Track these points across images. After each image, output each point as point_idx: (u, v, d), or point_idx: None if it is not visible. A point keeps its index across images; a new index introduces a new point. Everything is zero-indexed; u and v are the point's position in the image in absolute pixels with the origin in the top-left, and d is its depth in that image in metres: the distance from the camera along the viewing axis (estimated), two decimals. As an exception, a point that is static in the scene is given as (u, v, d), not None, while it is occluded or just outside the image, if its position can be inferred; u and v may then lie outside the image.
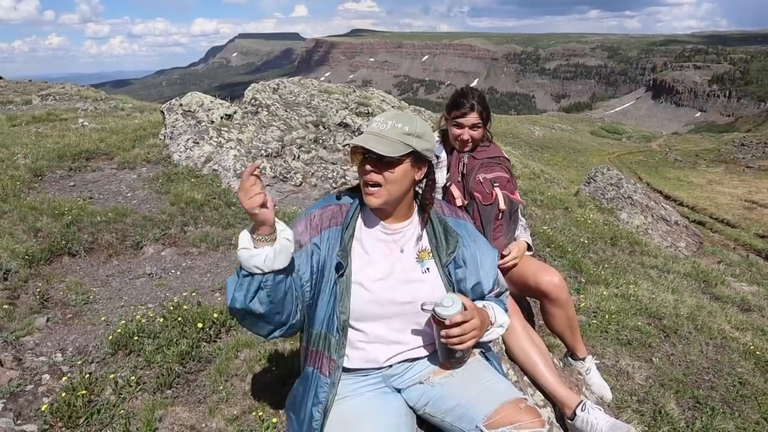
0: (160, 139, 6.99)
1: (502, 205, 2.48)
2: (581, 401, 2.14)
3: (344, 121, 7.91)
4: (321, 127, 7.67)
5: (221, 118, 7.03)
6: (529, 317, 3.14)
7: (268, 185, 5.74)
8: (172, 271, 3.95)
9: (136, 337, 2.85)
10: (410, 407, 1.66)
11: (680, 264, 5.83)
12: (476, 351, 1.74)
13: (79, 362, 2.72)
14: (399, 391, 1.68)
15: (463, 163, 2.54)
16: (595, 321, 3.66)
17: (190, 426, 2.28)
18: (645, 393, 3.00)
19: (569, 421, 2.14)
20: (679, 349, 3.53)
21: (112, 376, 2.54)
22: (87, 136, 7.69)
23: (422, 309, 1.58)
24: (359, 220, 1.67)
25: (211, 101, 7.44)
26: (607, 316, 3.72)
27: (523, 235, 2.71)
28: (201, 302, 3.34)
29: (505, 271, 2.60)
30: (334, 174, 6.41)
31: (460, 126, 2.51)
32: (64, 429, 2.22)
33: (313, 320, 1.59)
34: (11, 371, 2.57)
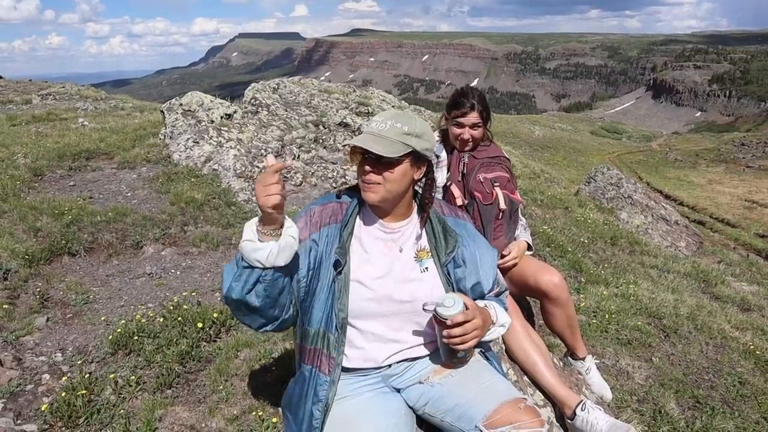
0: (160, 139, 6.99)
1: (503, 205, 2.48)
2: (581, 401, 2.14)
3: (344, 120, 7.91)
4: (321, 127, 7.67)
5: (221, 117, 7.03)
6: (529, 317, 3.14)
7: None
8: (172, 270, 3.95)
9: (136, 337, 2.85)
10: (410, 407, 1.66)
11: (680, 264, 5.83)
12: (476, 351, 1.74)
13: (79, 362, 2.72)
14: (398, 391, 1.68)
15: (464, 163, 2.54)
16: (595, 321, 3.66)
17: (190, 426, 2.28)
18: (645, 393, 3.00)
19: (569, 420, 2.14)
20: (679, 349, 3.53)
21: (112, 375, 2.54)
22: (87, 136, 7.69)
23: (424, 309, 1.58)
24: (358, 219, 1.67)
25: (211, 101, 7.44)
26: (607, 316, 3.72)
27: (523, 235, 2.71)
28: (201, 302, 3.34)
29: (505, 270, 2.60)
30: (334, 174, 6.41)
31: (461, 125, 2.51)
32: (64, 429, 2.22)
33: (311, 318, 1.59)
34: (11, 371, 2.57)
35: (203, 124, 6.84)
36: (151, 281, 3.77)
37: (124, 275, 3.85)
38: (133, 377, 2.53)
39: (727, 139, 52.32)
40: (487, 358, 1.75)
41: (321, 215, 1.64)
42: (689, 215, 21.09)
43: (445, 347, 1.59)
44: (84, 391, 2.35)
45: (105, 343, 2.87)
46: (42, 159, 6.20)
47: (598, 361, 2.97)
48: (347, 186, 1.77)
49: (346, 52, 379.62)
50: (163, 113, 7.42)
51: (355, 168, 1.63)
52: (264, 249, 1.40)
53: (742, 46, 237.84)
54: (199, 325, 2.93)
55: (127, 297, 3.53)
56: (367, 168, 1.53)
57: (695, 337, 3.70)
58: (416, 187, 1.70)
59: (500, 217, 2.50)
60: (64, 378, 2.54)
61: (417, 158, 1.59)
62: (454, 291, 1.66)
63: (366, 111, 8.73)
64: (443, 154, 2.61)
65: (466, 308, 1.52)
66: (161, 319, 3.04)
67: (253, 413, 2.29)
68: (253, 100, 7.79)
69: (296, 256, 1.51)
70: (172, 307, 3.19)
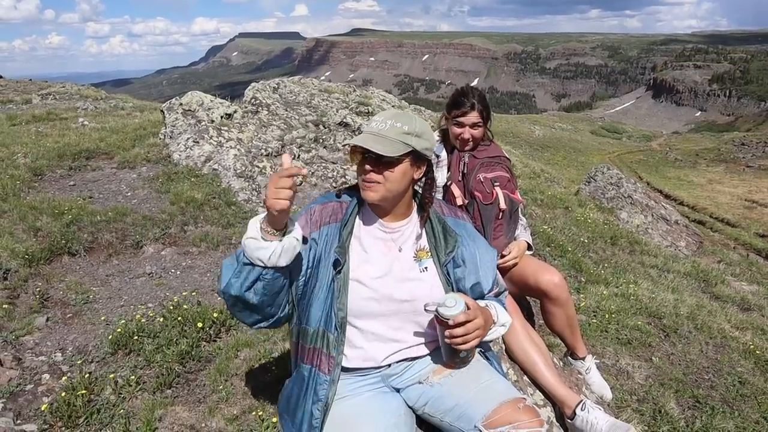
0: (160, 139, 6.99)
1: (503, 205, 2.48)
2: (581, 401, 2.14)
3: (344, 120, 7.90)
4: (321, 127, 7.66)
5: (221, 117, 7.03)
6: (529, 317, 3.14)
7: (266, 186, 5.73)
8: (172, 270, 3.94)
9: (135, 337, 2.85)
10: (409, 407, 1.66)
11: (680, 263, 5.83)
12: (476, 350, 1.74)
13: (78, 362, 2.72)
14: (398, 390, 1.68)
15: (464, 163, 2.54)
16: (595, 320, 3.66)
17: (189, 426, 2.28)
18: (645, 392, 3.00)
19: (569, 420, 2.14)
20: (679, 349, 3.53)
21: (111, 375, 2.54)
22: (87, 136, 7.68)
23: (425, 309, 1.57)
24: (358, 218, 1.67)
25: (211, 100, 7.44)
26: (607, 316, 3.71)
27: (523, 235, 2.71)
28: (201, 302, 3.34)
29: (505, 270, 2.60)
30: (335, 173, 6.41)
31: (461, 125, 2.51)
32: (63, 429, 2.22)
33: (310, 317, 1.59)
34: (11, 371, 2.57)
35: (203, 123, 6.84)
36: (151, 281, 3.77)
37: (124, 275, 3.85)
38: (133, 377, 2.53)
39: (727, 138, 52.29)
40: (486, 358, 1.75)
41: (321, 214, 1.64)
42: (689, 215, 21.08)
43: (446, 348, 1.59)
44: (84, 391, 2.35)
45: (105, 343, 2.87)
46: (42, 159, 6.20)
47: (598, 361, 2.98)
48: (347, 185, 1.77)
49: (346, 52, 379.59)
50: (163, 113, 7.42)
51: (355, 167, 1.64)
52: (267, 249, 1.40)
53: (742, 46, 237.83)
54: (199, 324, 2.93)
55: (127, 297, 3.53)
56: (368, 167, 1.53)
57: (695, 336, 3.70)
58: (416, 187, 1.71)
59: (500, 217, 2.50)
60: (63, 378, 2.54)
61: (417, 158, 1.59)
62: (453, 291, 1.66)
63: (366, 111, 8.72)
64: (443, 154, 2.61)
65: (468, 308, 1.52)
66: (161, 319, 3.04)
67: (253, 413, 2.29)
68: (253, 100, 7.79)
69: (298, 258, 1.51)
70: (172, 307, 3.19)
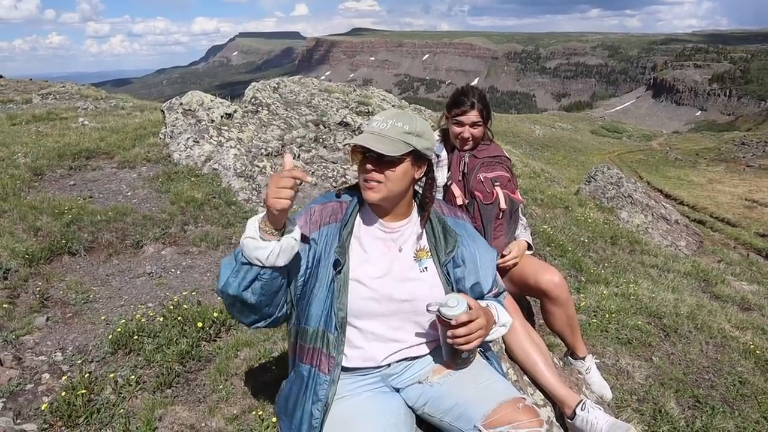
0: (161, 138, 6.99)
1: (503, 205, 2.48)
2: (581, 400, 2.14)
3: (344, 120, 7.90)
4: (321, 126, 7.66)
5: (221, 117, 7.03)
6: (529, 316, 3.14)
7: (267, 185, 5.74)
8: (172, 270, 3.95)
9: (135, 337, 2.85)
10: (409, 407, 1.66)
11: (680, 263, 5.83)
12: (476, 351, 1.74)
13: (78, 361, 2.72)
14: (398, 390, 1.68)
15: (464, 162, 2.54)
16: (595, 320, 3.66)
17: (189, 425, 2.28)
18: (645, 392, 2.99)
19: (569, 420, 2.14)
20: (679, 348, 3.53)
21: (111, 375, 2.54)
22: (87, 135, 7.68)
23: (428, 310, 1.57)
24: (358, 218, 1.67)
25: (212, 100, 7.43)
26: (607, 315, 3.71)
27: (523, 235, 2.71)
28: (201, 301, 3.34)
29: (505, 270, 2.60)
30: (335, 173, 6.41)
31: (461, 124, 2.51)
32: (63, 428, 2.22)
33: (309, 317, 1.59)
34: (11, 370, 2.57)
35: (203, 123, 6.84)
36: (151, 281, 3.77)
37: (124, 275, 3.85)
38: (133, 377, 2.53)
39: (728, 138, 52.27)
40: (486, 358, 1.75)
41: (321, 214, 1.64)
42: (689, 214, 21.09)
43: (448, 348, 1.59)
44: (84, 391, 2.35)
45: (105, 343, 2.87)
46: (42, 158, 6.20)
47: (598, 361, 2.97)
48: (347, 185, 1.77)
49: (346, 52, 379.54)
50: (164, 113, 7.42)
51: (355, 167, 1.64)
52: (265, 248, 1.40)
53: (743, 46, 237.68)
54: (199, 324, 2.93)
55: (127, 296, 3.53)
56: (369, 167, 1.53)
57: (695, 336, 3.70)
58: (416, 187, 1.71)
59: (500, 217, 2.50)
60: (63, 377, 2.54)
61: (418, 157, 1.60)
62: (453, 291, 1.66)
63: (366, 110, 8.72)
64: (443, 154, 2.61)
65: (470, 308, 1.52)
66: (161, 319, 3.04)
67: (253, 413, 2.29)
68: (253, 100, 7.79)
69: (297, 258, 1.51)
70: (172, 307, 3.19)
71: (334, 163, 6.70)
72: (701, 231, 10.21)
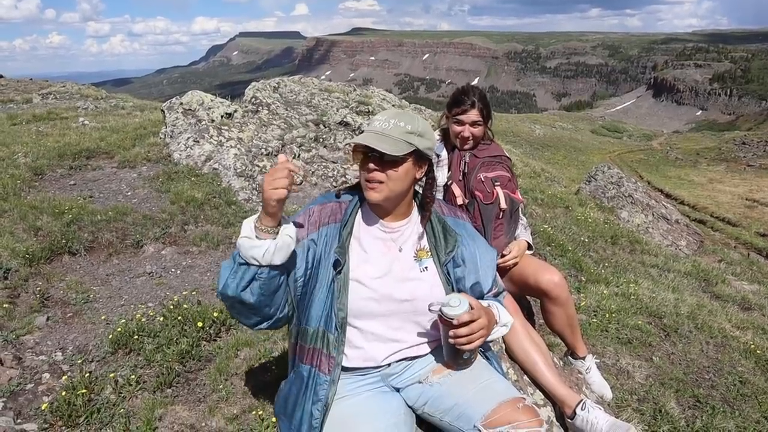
0: (161, 138, 6.99)
1: (503, 204, 2.48)
2: (581, 400, 2.14)
3: (345, 119, 7.90)
4: (321, 126, 7.66)
5: (221, 116, 7.03)
6: (529, 316, 3.14)
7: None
8: (173, 269, 3.95)
9: (136, 336, 2.85)
10: (409, 407, 1.66)
11: (681, 263, 5.82)
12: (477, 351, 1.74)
13: (79, 361, 2.72)
14: (398, 390, 1.68)
15: (465, 162, 2.54)
16: (595, 320, 3.66)
17: (190, 425, 2.28)
18: (645, 392, 2.99)
19: (569, 420, 2.14)
20: (680, 348, 3.53)
21: (112, 375, 2.54)
22: (87, 135, 7.68)
23: (429, 309, 1.57)
24: (358, 219, 1.67)
25: (212, 100, 7.43)
26: (607, 315, 3.71)
27: (523, 234, 2.71)
28: (201, 301, 3.34)
29: (505, 270, 2.60)
30: (335, 173, 6.41)
31: (461, 123, 2.51)
32: (64, 428, 2.22)
33: (310, 317, 1.59)
34: (11, 370, 2.57)
35: (203, 123, 6.84)
36: (152, 280, 3.77)
37: (125, 274, 3.85)
38: (133, 376, 2.53)
39: (728, 137, 52.25)
40: (486, 358, 1.75)
41: (320, 215, 1.64)
42: (690, 214, 21.09)
43: (450, 348, 1.58)
44: (84, 390, 2.35)
45: (105, 342, 2.87)
46: (42, 158, 6.20)
47: (598, 361, 2.97)
48: (347, 185, 1.77)
49: (346, 51, 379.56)
50: (164, 112, 7.42)
51: (355, 167, 1.64)
52: (261, 247, 1.41)
53: (743, 45, 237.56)
54: (200, 324, 2.93)
55: (128, 296, 3.53)
56: (371, 166, 1.53)
57: (696, 336, 3.70)
58: (416, 187, 1.70)
59: (501, 217, 2.49)
60: (64, 377, 2.54)
61: (419, 157, 1.60)
62: (453, 290, 1.65)
63: (366, 110, 8.72)
64: (444, 153, 2.61)
65: (472, 308, 1.51)
66: (161, 318, 3.04)
67: (253, 412, 2.29)
68: (253, 99, 7.79)
69: (293, 256, 1.51)
70: (172, 306, 3.19)
71: (334, 162, 6.70)
72: (702, 231, 10.21)
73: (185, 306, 3.16)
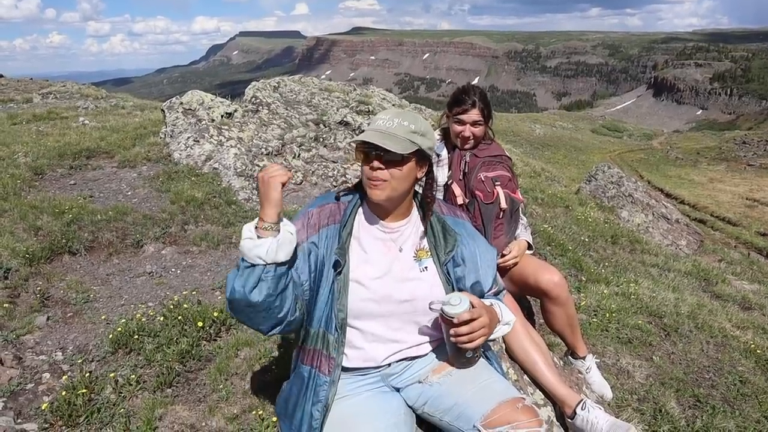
0: (161, 138, 6.99)
1: (504, 204, 2.47)
2: (581, 400, 2.14)
3: (345, 119, 7.90)
4: (321, 126, 7.66)
5: (222, 116, 7.03)
6: (529, 316, 3.14)
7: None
8: (173, 269, 3.95)
9: (136, 336, 2.85)
10: (409, 407, 1.66)
11: (681, 262, 5.82)
12: (481, 350, 1.74)
13: (79, 361, 2.72)
14: (398, 390, 1.68)
15: (465, 162, 2.53)
16: (595, 319, 3.66)
17: (190, 425, 2.28)
18: (645, 392, 2.99)
19: (569, 420, 2.14)
20: (680, 348, 3.53)
21: (112, 374, 2.54)
22: (87, 135, 7.69)
23: (430, 308, 1.57)
24: (357, 219, 1.66)
25: (212, 99, 7.44)
26: (607, 315, 3.71)
27: (523, 234, 2.71)
28: (201, 301, 3.34)
29: (505, 269, 2.60)
30: (335, 172, 6.41)
31: (462, 123, 2.50)
32: (64, 428, 2.22)
33: (311, 319, 1.59)
34: (11, 370, 2.58)
35: (204, 122, 6.84)
36: (152, 280, 3.77)
37: (125, 274, 3.85)
38: (133, 376, 2.53)
39: (729, 137, 52.20)
40: (486, 358, 1.75)
41: (319, 217, 1.64)
42: (690, 214, 21.08)
43: (452, 347, 1.59)
44: (84, 390, 2.36)
45: (105, 342, 2.87)
46: (42, 158, 6.20)
47: (598, 360, 2.97)
48: (347, 186, 1.77)
49: (346, 51, 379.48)
50: (164, 112, 7.42)
51: (356, 167, 1.64)
52: (263, 245, 1.41)
53: (744, 44, 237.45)
54: (200, 324, 2.93)
55: (128, 296, 3.53)
56: (375, 164, 1.53)
57: (696, 335, 3.70)
58: (415, 187, 1.70)
59: (501, 216, 2.49)
60: (64, 377, 2.54)
61: (421, 157, 1.60)
62: (453, 290, 1.65)
63: (366, 110, 8.71)
64: (444, 153, 2.60)
65: (473, 306, 1.51)
66: (161, 318, 3.04)
67: (253, 412, 2.29)
68: (253, 99, 7.79)
69: (296, 254, 1.51)
70: (172, 306, 3.19)
71: (334, 162, 6.70)
72: (702, 230, 10.21)
73: (185, 306, 3.16)
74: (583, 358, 2.72)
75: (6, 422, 2.21)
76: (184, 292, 3.50)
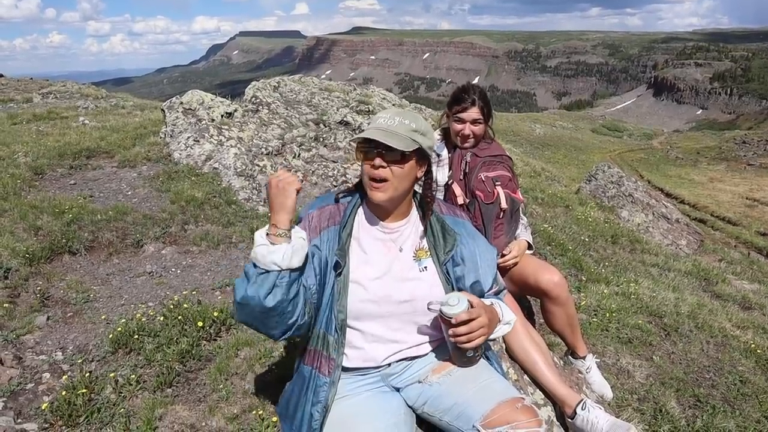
0: (161, 138, 6.99)
1: (504, 204, 2.47)
2: (582, 400, 2.13)
3: (345, 119, 7.90)
4: (321, 126, 7.66)
5: (222, 116, 7.03)
6: (529, 316, 3.14)
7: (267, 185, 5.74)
8: (173, 269, 3.95)
9: (136, 336, 2.85)
10: (409, 406, 1.66)
11: (681, 262, 5.82)
12: (482, 350, 1.74)
13: (79, 361, 2.72)
14: (398, 390, 1.68)
15: (466, 162, 2.53)
16: (595, 319, 3.66)
17: (190, 425, 2.28)
18: (645, 391, 2.99)
19: (570, 419, 2.14)
20: (680, 348, 3.53)
21: (112, 374, 2.54)
22: (88, 135, 7.69)
23: (429, 308, 1.57)
24: (357, 219, 1.67)
25: (212, 99, 7.43)
26: (607, 315, 3.71)
27: (523, 234, 2.71)
28: (201, 301, 3.34)
29: (505, 269, 2.60)
30: (335, 172, 6.40)
31: (462, 121, 2.51)
32: (64, 427, 2.22)
33: (314, 320, 1.59)
34: (11, 370, 2.58)
35: (204, 122, 6.84)
36: (152, 280, 3.77)
37: (125, 274, 3.85)
38: (133, 376, 2.53)
39: (729, 137, 52.20)
40: (486, 357, 1.74)
41: (319, 219, 1.64)
42: (690, 213, 21.09)
43: (453, 346, 1.59)
44: (84, 390, 2.35)
45: (105, 342, 2.87)
46: (42, 158, 6.20)
47: (598, 360, 2.97)
48: (346, 188, 1.77)
49: (347, 51, 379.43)
50: (164, 112, 7.42)
51: (356, 166, 1.64)
52: (278, 251, 1.42)
53: (744, 44, 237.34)
54: (200, 323, 2.93)
55: (128, 296, 3.53)
56: (378, 162, 1.53)
57: (696, 335, 3.70)
58: (415, 187, 1.71)
59: (501, 216, 2.49)
60: (64, 377, 2.54)
61: (421, 156, 1.60)
62: (453, 290, 1.65)
63: (367, 109, 8.71)
64: (445, 153, 2.60)
65: (471, 306, 1.51)
66: (161, 318, 3.04)
67: (253, 412, 2.29)
68: (253, 99, 7.79)
69: (306, 259, 1.52)
70: (172, 306, 3.19)
71: (334, 162, 6.70)
72: (702, 230, 10.21)
73: (185, 305, 3.16)
74: (583, 357, 2.72)
75: (6, 422, 2.21)
76: (184, 292, 3.50)
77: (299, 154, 6.58)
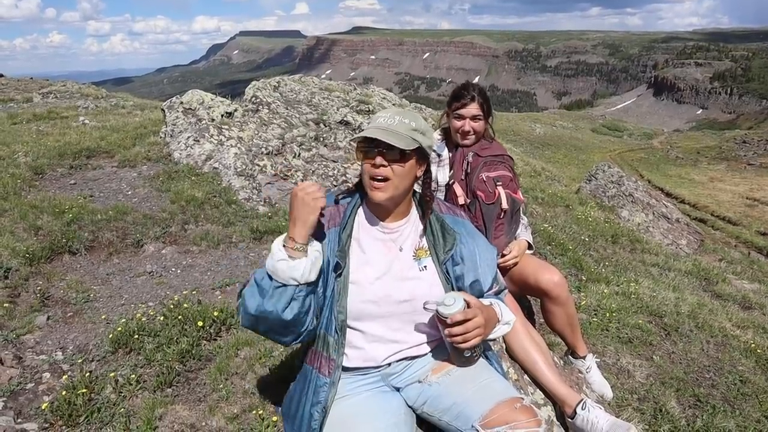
0: (161, 137, 6.99)
1: (505, 204, 2.47)
2: (582, 399, 2.14)
3: (345, 118, 7.90)
4: (322, 125, 7.66)
5: (222, 116, 7.03)
6: (529, 315, 3.14)
7: (268, 183, 5.74)
8: (173, 269, 3.94)
9: (136, 336, 2.84)
10: (409, 406, 1.66)
11: (681, 262, 5.82)
12: (480, 350, 1.74)
13: (79, 360, 2.72)
14: (398, 390, 1.68)
15: (468, 162, 2.53)
16: (595, 319, 3.66)
17: (190, 424, 2.28)
18: (646, 391, 2.99)
19: (570, 419, 2.14)
20: (680, 347, 3.53)
21: (112, 374, 2.54)
22: (88, 134, 7.69)
23: (425, 308, 1.58)
24: (357, 220, 1.67)
25: (212, 99, 7.43)
26: (607, 314, 3.71)
27: (523, 234, 2.71)
28: (201, 300, 3.34)
29: (505, 269, 2.60)
30: (335, 172, 6.40)
31: (461, 117, 2.51)
32: (64, 427, 2.22)
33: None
34: (12, 369, 2.58)
35: (204, 122, 6.84)
36: (152, 280, 3.77)
37: (125, 274, 3.85)
38: (133, 376, 2.53)
39: (729, 136, 52.20)
40: (486, 357, 1.74)
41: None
42: (690, 213, 21.09)
43: (450, 346, 1.59)
44: (84, 390, 2.35)
45: (105, 342, 2.87)
46: (43, 157, 6.20)
47: (598, 360, 2.97)
48: (346, 188, 1.77)
49: (347, 50, 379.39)
50: (164, 111, 7.42)
51: (356, 166, 1.64)
52: (298, 267, 1.43)
53: (744, 44, 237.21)
54: (200, 323, 2.93)
55: (128, 295, 3.53)
56: (378, 161, 1.53)
57: (696, 335, 3.70)
58: (414, 186, 1.71)
59: (502, 217, 2.49)
60: (64, 377, 2.54)
61: (421, 155, 1.60)
62: (453, 289, 1.65)
63: (367, 109, 8.71)
64: (445, 153, 2.60)
65: (468, 306, 1.51)
66: (162, 318, 3.04)
67: (254, 412, 2.29)
68: (253, 99, 7.79)
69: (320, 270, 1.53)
70: (172, 306, 3.19)
71: (334, 161, 6.69)
72: (702, 229, 10.21)
73: (185, 305, 3.16)
74: (584, 357, 2.72)
75: (6, 422, 2.21)
76: (185, 292, 3.50)
77: (299, 154, 6.58)
